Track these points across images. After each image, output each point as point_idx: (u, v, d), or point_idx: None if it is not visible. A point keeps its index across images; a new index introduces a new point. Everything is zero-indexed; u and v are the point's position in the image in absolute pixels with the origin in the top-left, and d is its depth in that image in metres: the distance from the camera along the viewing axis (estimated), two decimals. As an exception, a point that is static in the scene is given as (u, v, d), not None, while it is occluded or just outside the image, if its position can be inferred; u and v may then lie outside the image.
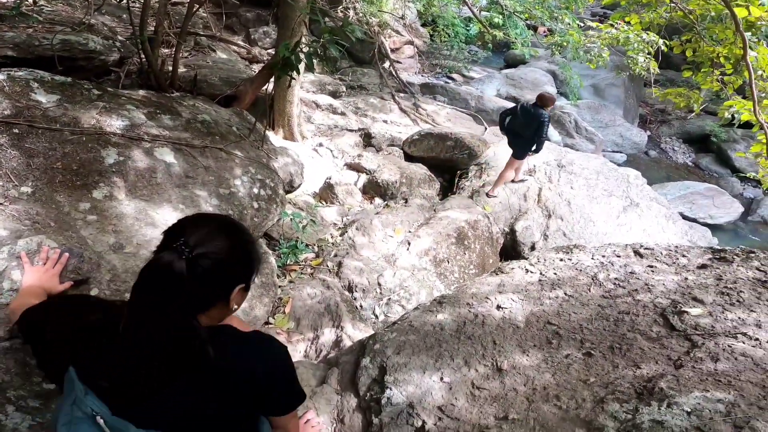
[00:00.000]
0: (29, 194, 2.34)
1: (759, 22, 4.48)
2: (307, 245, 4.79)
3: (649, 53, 7.04)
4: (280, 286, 4.02)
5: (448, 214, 5.47)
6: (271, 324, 3.68)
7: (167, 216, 2.68)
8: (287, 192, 4.87)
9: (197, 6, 6.29)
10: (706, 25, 5.31)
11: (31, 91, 2.87)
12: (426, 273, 4.84)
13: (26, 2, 4.61)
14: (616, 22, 6.97)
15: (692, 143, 13.99)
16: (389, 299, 4.48)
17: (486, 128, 9.67)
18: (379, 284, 4.54)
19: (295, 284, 4.19)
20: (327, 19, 9.59)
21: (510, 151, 6.68)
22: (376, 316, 4.35)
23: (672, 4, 5.16)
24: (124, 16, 5.83)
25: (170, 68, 5.05)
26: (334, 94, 9.16)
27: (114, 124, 2.93)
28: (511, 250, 6.39)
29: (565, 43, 8.33)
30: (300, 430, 1.59)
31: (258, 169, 3.38)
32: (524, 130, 6.16)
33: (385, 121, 8.67)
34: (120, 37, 5.48)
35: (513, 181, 7.03)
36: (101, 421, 1.08)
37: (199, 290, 1.12)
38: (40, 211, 2.30)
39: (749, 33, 4.78)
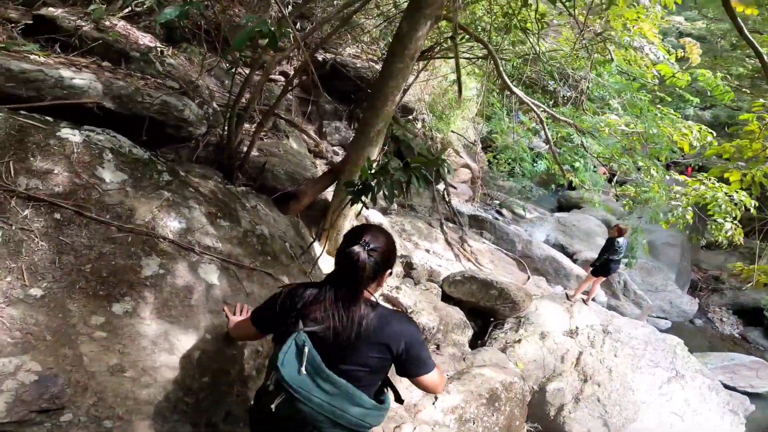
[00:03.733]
0: (36, 298, 2.11)
1: None
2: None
3: (735, 218, 6.58)
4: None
5: (483, 372, 5.11)
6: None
7: (189, 343, 2.43)
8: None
9: (291, 87, 6.44)
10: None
11: (99, 164, 2.75)
12: (447, 431, 4.43)
13: (155, 51, 4.80)
14: (707, 179, 6.57)
15: (742, 315, 13.31)
16: (403, 455, 4.06)
17: (529, 277, 9.31)
18: (395, 437, 4.14)
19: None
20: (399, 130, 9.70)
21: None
22: (385, 473, 3.92)
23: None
24: (227, 82, 5.98)
25: (245, 149, 5.09)
26: (385, 211, 8.98)
27: (170, 224, 2.77)
28: (537, 409, 6.10)
29: (646, 200, 7.74)
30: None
31: (299, 301, 3.15)
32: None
33: (428, 251, 8.42)
34: (215, 104, 5.53)
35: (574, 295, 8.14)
36: (306, 349, 1.74)
37: (370, 270, 1.79)
38: (40, 320, 2.06)
39: None
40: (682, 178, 7.66)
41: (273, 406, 1.76)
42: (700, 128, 7.04)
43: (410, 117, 11.07)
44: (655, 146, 7.59)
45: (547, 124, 7.50)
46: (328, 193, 6.38)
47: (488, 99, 11.86)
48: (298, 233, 4.17)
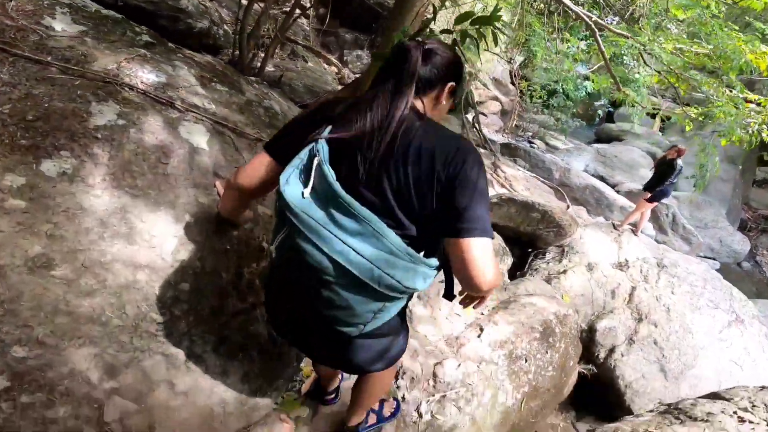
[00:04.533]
0: None
1: None
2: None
3: None
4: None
5: (534, 302, 4.35)
6: (276, 408, 2.47)
7: (158, 228, 1.63)
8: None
9: (299, 13, 5.99)
10: None
11: (50, 15, 1.96)
12: (496, 369, 3.70)
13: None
14: None
15: (792, 260, 12.38)
16: (444, 396, 3.34)
17: (569, 206, 8.48)
18: (435, 375, 3.42)
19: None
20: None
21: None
22: (420, 416, 3.21)
23: None
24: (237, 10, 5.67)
25: (259, 64, 4.55)
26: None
27: (142, 76, 1.96)
28: (585, 350, 5.39)
29: (720, 115, 6.69)
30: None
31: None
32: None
33: (460, 176, 7.65)
34: (225, 26, 5.16)
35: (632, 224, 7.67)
36: (315, 161, 1.23)
37: (421, 67, 1.31)
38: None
39: None
40: (754, 96, 6.70)
41: (273, 247, 1.27)
42: (776, 51, 6.18)
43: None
44: (729, 62, 6.57)
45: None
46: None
47: (525, 23, 10.84)
48: (318, 126, 3.37)
